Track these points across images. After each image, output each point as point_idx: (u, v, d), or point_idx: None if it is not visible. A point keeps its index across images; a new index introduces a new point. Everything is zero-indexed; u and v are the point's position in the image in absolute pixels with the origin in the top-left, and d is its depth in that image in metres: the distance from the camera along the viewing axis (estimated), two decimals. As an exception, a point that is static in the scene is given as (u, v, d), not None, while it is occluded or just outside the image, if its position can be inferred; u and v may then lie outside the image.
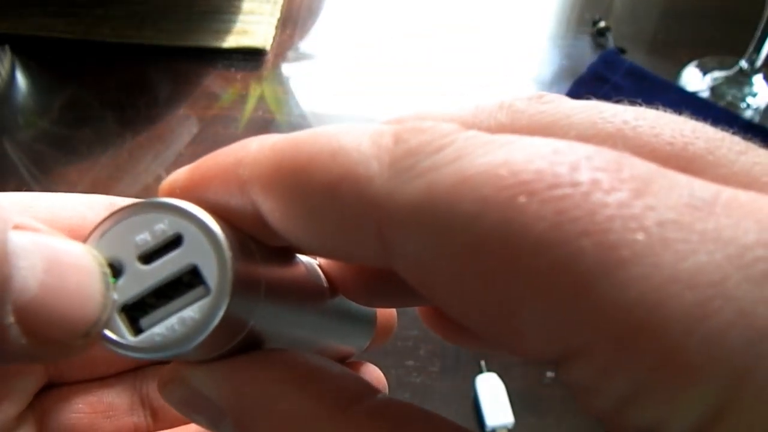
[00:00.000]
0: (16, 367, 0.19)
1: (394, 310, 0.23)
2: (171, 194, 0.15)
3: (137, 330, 0.14)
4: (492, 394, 0.43)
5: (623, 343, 0.11)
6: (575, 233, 0.11)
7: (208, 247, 0.14)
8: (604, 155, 0.12)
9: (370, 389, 0.15)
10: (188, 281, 0.14)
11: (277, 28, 0.65)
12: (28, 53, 0.62)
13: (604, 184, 0.11)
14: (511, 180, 0.11)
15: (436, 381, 0.44)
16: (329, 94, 0.62)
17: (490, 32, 0.67)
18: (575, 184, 0.11)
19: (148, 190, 0.53)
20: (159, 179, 0.54)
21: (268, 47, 0.63)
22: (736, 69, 0.59)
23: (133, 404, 0.21)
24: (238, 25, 0.65)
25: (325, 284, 0.19)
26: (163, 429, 0.21)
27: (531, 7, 0.71)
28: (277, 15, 0.66)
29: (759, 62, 0.58)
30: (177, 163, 0.54)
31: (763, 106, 0.59)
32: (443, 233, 0.12)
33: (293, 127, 0.58)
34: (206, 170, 0.15)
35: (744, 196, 0.11)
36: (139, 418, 0.21)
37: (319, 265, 0.20)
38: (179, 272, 0.14)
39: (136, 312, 0.14)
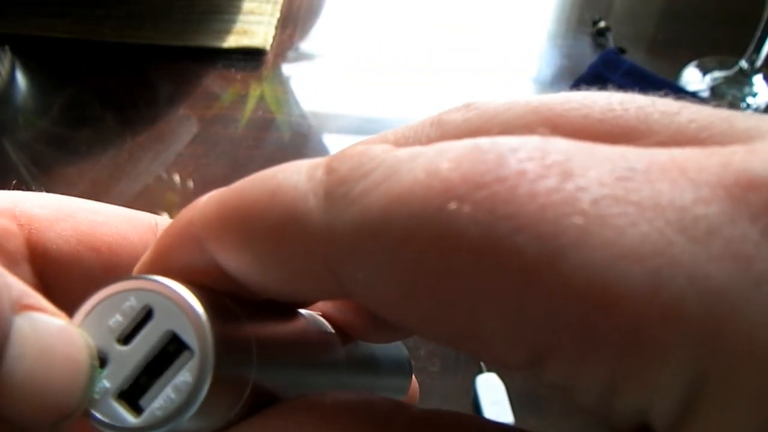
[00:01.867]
0: None
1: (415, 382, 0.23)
2: (140, 273, 0.15)
3: (139, 411, 0.14)
4: (492, 394, 0.44)
5: (582, 332, 0.10)
6: (509, 230, 0.11)
7: (178, 310, 0.14)
8: (528, 143, 0.11)
9: (402, 404, 0.15)
10: (173, 350, 0.14)
11: (277, 28, 0.65)
12: (28, 53, 0.62)
13: (530, 173, 0.11)
14: (438, 188, 0.11)
15: (436, 381, 0.44)
16: (329, 94, 0.62)
17: (490, 32, 0.67)
18: (501, 180, 0.11)
19: (148, 190, 0.53)
20: (159, 179, 0.54)
21: (268, 47, 0.63)
22: (736, 69, 0.59)
23: None
24: (238, 25, 0.65)
25: (332, 331, 0.19)
26: None
27: (531, 7, 0.71)
28: (277, 15, 0.66)
29: (759, 62, 0.58)
30: (177, 163, 0.54)
31: (763, 106, 0.59)
32: (384, 255, 0.11)
33: (293, 127, 0.58)
34: (165, 239, 0.15)
35: (680, 155, 0.11)
36: None
37: (323, 315, 0.20)
38: (160, 343, 0.14)
39: (133, 395, 0.14)
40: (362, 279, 0.12)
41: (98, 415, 0.14)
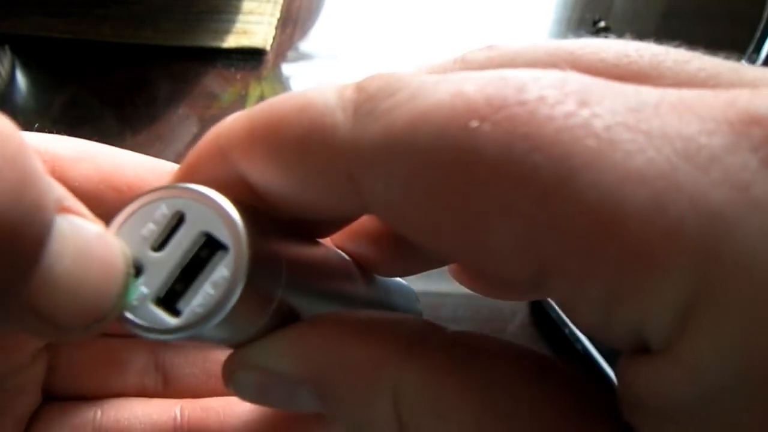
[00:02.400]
0: None
1: None
2: None
3: (178, 314, 0.14)
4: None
5: (588, 248, 0.11)
6: (526, 149, 0.11)
7: (209, 211, 0.14)
8: (549, 75, 0.12)
9: (434, 326, 0.15)
10: (206, 255, 0.14)
11: (277, 28, 0.65)
12: (28, 53, 0.62)
13: (549, 99, 0.11)
14: (462, 108, 0.12)
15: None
16: (329, 94, 0.62)
17: (491, 32, 0.67)
18: (522, 103, 0.11)
19: (148, 190, 0.53)
20: (159, 179, 0.54)
21: (268, 47, 0.63)
22: (736, 69, 0.59)
23: (147, 367, 0.22)
24: (238, 25, 0.65)
25: (351, 261, 0.20)
26: (171, 397, 0.21)
27: (531, 7, 0.71)
28: (277, 15, 0.66)
29: (759, 62, 0.58)
30: (177, 162, 0.54)
31: (763, 106, 0.59)
32: (405, 168, 0.12)
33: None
34: (193, 154, 0.16)
35: (689, 94, 0.12)
36: (149, 381, 0.22)
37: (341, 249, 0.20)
38: (194, 246, 0.14)
39: (171, 299, 0.14)
40: (381, 190, 0.13)
41: (138, 320, 0.14)
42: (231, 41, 0.63)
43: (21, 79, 0.61)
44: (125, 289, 0.14)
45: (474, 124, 0.11)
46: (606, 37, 0.68)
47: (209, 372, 0.22)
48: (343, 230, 0.19)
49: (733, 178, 0.10)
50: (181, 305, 0.14)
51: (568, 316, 0.13)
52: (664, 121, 0.11)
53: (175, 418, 0.20)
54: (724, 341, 0.10)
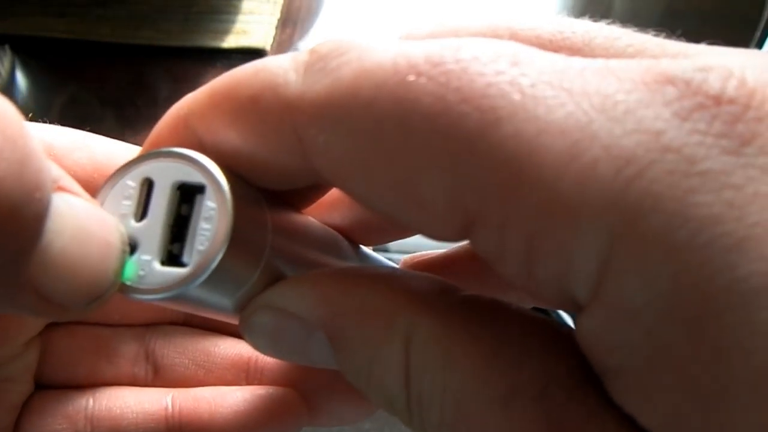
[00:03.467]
0: None
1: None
2: None
3: (186, 266, 0.14)
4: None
5: (506, 196, 0.12)
6: (457, 101, 0.12)
7: (173, 164, 0.14)
8: (487, 41, 0.13)
9: (454, 286, 0.16)
10: (187, 207, 0.14)
11: (276, 28, 0.65)
12: (28, 53, 0.62)
13: (482, 58, 0.12)
14: (403, 65, 0.12)
15: None
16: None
17: (490, 32, 0.67)
18: (458, 61, 0.12)
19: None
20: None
21: (267, 47, 0.63)
22: (736, 69, 0.59)
23: (137, 356, 0.22)
24: (238, 25, 0.65)
25: (336, 234, 0.20)
26: (161, 386, 0.22)
27: (531, 7, 0.71)
28: (277, 15, 0.66)
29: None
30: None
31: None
32: (346, 121, 0.13)
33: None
34: (156, 129, 0.16)
35: (614, 62, 0.12)
36: (140, 370, 0.22)
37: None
38: (172, 200, 0.14)
39: (173, 260, 0.14)
40: (323, 144, 0.13)
41: (151, 286, 0.14)
42: (231, 41, 0.63)
43: (21, 79, 0.61)
44: (122, 264, 0.14)
45: (411, 78, 0.12)
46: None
47: (198, 362, 0.22)
48: (317, 203, 0.19)
49: (646, 126, 0.11)
50: (184, 257, 0.14)
51: (498, 273, 0.13)
52: (585, 80, 0.12)
53: (166, 408, 0.20)
54: (646, 277, 0.11)
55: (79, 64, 0.62)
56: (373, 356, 0.15)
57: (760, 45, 0.57)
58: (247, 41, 0.63)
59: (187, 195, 0.14)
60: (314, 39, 0.66)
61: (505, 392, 0.13)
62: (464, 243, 0.20)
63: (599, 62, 0.12)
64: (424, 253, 0.22)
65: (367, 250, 0.21)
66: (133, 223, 0.15)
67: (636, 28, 0.15)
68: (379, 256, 0.22)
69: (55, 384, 0.21)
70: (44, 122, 0.19)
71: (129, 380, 0.21)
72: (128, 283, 0.14)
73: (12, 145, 0.11)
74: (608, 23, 0.15)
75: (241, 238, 0.14)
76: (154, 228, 0.14)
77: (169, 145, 0.15)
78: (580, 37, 0.15)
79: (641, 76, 0.12)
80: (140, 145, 0.18)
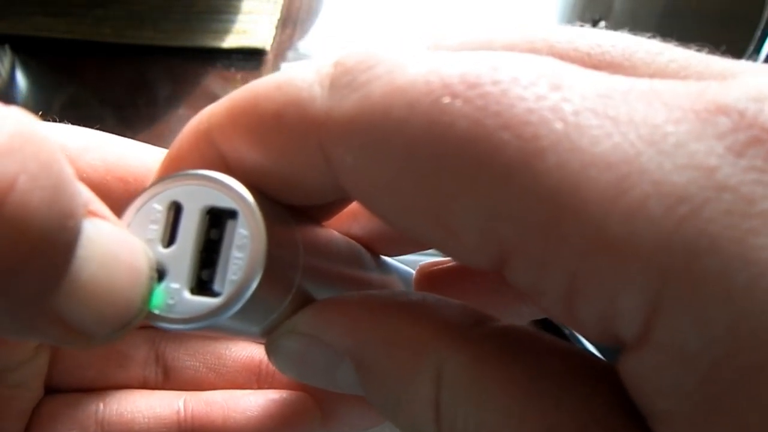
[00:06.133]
0: None
1: None
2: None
3: (216, 294, 0.14)
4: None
5: (549, 232, 0.11)
6: (495, 127, 0.11)
7: (202, 188, 0.14)
8: (525, 58, 0.12)
9: (486, 316, 0.15)
10: (217, 232, 0.14)
11: (277, 28, 0.65)
12: (28, 53, 0.62)
13: (522, 80, 0.12)
14: (436, 84, 0.12)
15: None
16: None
17: (490, 32, 0.67)
18: (496, 83, 0.11)
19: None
20: (159, 179, 0.54)
21: (267, 47, 0.63)
22: (736, 69, 0.59)
23: (148, 359, 0.21)
24: (238, 25, 0.65)
25: (357, 245, 0.19)
26: (172, 389, 0.21)
27: (531, 7, 0.71)
28: (277, 15, 0.66)
29: (759, 62, 0.58)
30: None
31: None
32: (376, 141, 0.12)
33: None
34: (176, 144, 0.16)
35: (659, 84, 0.12)
36: (150, 373, 0.21)
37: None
38: (201, 225, 0.14)
39: (203, 286, 0.14)
40: (351, 163, 0.13)
41: (181, 316, 0.14)
42: (231, 41, 0.63)
43: (21, 79, 0.61)
44: (150, 291, 0.14)
45: (446, 100, 0.12)
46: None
47: (209, 365, 0.22)
48: (340, 215, 0.19)
49: (698, 162, 0.10)
50: (216, 286, 0.14)
51: (533, 303, 0.13)
52: (631, 107, 0.11)
53: (178, 411, 0.20)
54: (702, 321, 0.10)
55: (79, 64, 0.62)
56: (401, 389, 0.14)
57: (760, 45, 0.57)
58: (247, 41, 0.63)
59: (217, 219, 0.14)
60: (314, 39, 0.66)
61: None
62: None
63: (644, 84, 0.12)
64: (442, 260, 0.21)
65: (387, 259, 0.21)
66: (160, 248, 0.14)
67: (635, 29, 0.15)
68: (400, 265, 0.22)
69: (65, 388, 0.21)
70: (44, 122, 0.19)
71: (140, 383, 0.21)
72: (156, 312, 0.14)
73: (47, 171, 0.11)
74: (606, 26, 0.14)
75: (274, 266, 0.14)
76: (183, 254, 0.14)
77: (191, 161, 0.15)
78: (620, 52, 0.14)
79: (691, 104, 0.11)
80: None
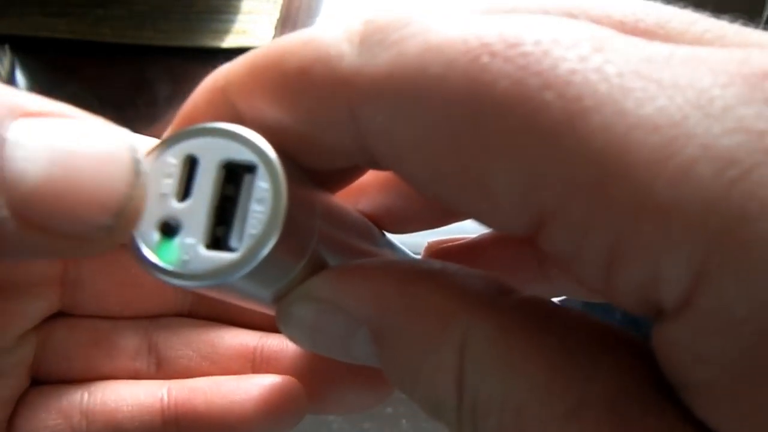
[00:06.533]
0: (27, 287, 0.19)
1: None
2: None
3: (233, 250, 0.13)
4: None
5: (593, 194, 0.11)
6: (538, 87, 0.11)
7: (220, 139, 0.13)
8: (564, 21, 0.12)
9: (509, 286, 0.15)
10: (233, 187, 0.13)
11: (276, 28, 0.65)
12: (28, 53, 0.62)
13: (564, 41, 0.11)
14: (475, 43, 0.11)
15: None
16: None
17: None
18: (537, 43, 0.11)
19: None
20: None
21: (267, 47, 0.63)
22: (736, 69, 0.59)
23: (140, 350, 0.21)
24: (238, 25, 0.64)
25: (366, 219, 0.19)
26: (166, 379, 0.21)
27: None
28: (277, 15, 0.66)
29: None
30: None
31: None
32: (411, 99, 0.12)
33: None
34: (190, 101, 0.15)
35: (701, 50, 0.12)
36: (142, 363, 0.21)
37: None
38: (218, 180, 0.13)
39: (218, 243, 0.13)
40: (382, 123, 0.12)
41: (199, 271, 0.13)
42: (231, 41, 0.63)
43: (21, 79, 0.61)
44: (137, 175, 0.13)
45: (486, 59, 0.11)
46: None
47: (203, 353, 0.21)
48: (348, 188, 0.18)
49: (747, 126, 0.10)
50: (232, 242, 0.13)
51: (566, 269, 0.12)
52: (675, 72, 0.11)
53: (162, 399, 0.20)
54: (750, 287, 0.10)
55: (79, 64, 0.62)
56: (423, 358, 0.14)
57: (760, 45, 0.57)
58: (247, 41, 0.63)
59: (233, 174, 0.13)
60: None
61: (574, 405, 0.12)
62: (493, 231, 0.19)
63: (686, 50, 0.11)
64: (451, 237, 0.21)
65: (392, 237, 0.21)
66: (174, 203, 0.13)
67: None
68: (403, 247, 0.22)
69: (52, 379, 0.21)
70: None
71: (129, 374, 0.21)
72: (170, 268, 0.13)
73: None
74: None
75: (292, 224, 0.13)
76: (198, 209, 0.13)
77: (206, 120, 0.14)
78: (654, 20, 0.13)
79: (737, 69, 0.11)
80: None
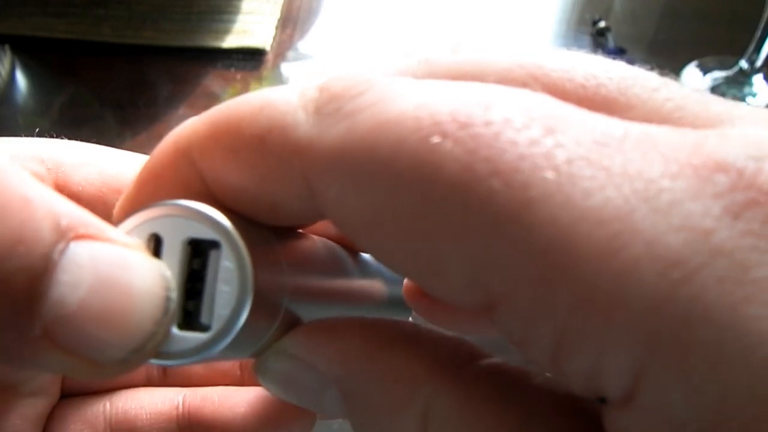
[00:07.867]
0: (30, 389, 0.20)
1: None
2: (123, 206, 0.15)
3: (205, 328, 0.14)
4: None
5: (538, 286, 0.11)
6: (486, 174, 0.11)
7: (181, 218, 0.14)
8: (519, 95, 0.12)
9: (479, 352, 0.15)
10: (199, 262, 0.14)
11: (277, 28, 0.65)
12: (28, 53, 0.62)
13: (515, 122, 0.11)
14: (426, 121, 0.11)
15: None
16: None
17: (491, 33, 0.67)
18: (488, 124, 0.11)
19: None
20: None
21: (267, 47, 0.63)
22: (736, 69, 0.59)
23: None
24: (238, 25, 0.65)
25: (336, 246, 0.19)
26: (172, 386, 0.22)
27: (531, 7, 0.71)
28: (277, 15, 0.66)
29: (759, 62, 0.58)
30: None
31: (763, 106, 0.59)
32: (362, 177, 0.12)
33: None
34: (151, 161, 0.15)
35: (655, 130, 0.11)
36: (153, 370, 0.22)
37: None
38: (184, 258, 0.14)
39: (190, 319, 0.14)
40: (335, 197, 0.12)
41: (171, 350, 0.13)
42: (231, 41, 0.63)
43: (21, 79, 0.61)
44: (166, 312, 0.13)
45: (436, 139, 0.11)
46: (606, 37, 0.67)
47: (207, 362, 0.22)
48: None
49: (694, 223, 0.10)
50: (203, 318, 0.14)
51: (517, 349, 0.12)
52: (627, 158, 0.11)
53: (177, 407, 0.21)
54: (691, 390, 0.10)
55: (79, 64, 0.62)
56: (388, 423, 0.14)
57: (760, 45, 0.57)
58: (247, 41, 0.63)
59: (198, 249, 0.14)
60: (314, 39, 0.66)
61: None
62: None
63: (640, 129, 0.11)
64: None
65: (367, 257, 0.21)
66: None
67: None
68: (379, 264, 0.22)
69: (76, 392, 0.21)
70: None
71: (143, 380, 0.22)
72: None
73: None
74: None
75: (261, 294, 0.13)
76: None
77: (167, 178, 0.14)
78: (615, 85, 0.13)
79: (688, 158, 0.11)
80: (140, 148, 0.18)
